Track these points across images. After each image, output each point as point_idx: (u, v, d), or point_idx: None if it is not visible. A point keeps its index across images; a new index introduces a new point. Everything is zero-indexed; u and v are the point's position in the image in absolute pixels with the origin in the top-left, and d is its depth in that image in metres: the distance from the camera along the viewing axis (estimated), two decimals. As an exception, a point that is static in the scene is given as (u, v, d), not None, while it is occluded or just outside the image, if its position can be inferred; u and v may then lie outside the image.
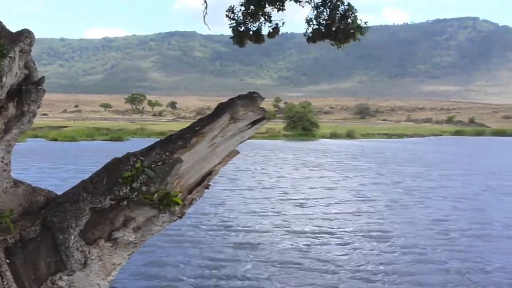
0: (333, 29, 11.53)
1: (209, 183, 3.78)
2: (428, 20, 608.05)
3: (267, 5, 10.84)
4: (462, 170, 30.36)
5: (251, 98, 3.87)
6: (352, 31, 11.46)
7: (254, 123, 3.90)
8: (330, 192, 21.27)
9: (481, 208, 17.72)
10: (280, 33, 12.03)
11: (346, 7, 11.43)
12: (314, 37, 11.83)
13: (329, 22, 11.40)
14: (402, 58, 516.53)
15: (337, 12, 11.50)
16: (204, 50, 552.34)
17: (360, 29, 11.52)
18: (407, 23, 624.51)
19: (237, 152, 3.94)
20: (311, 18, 11.67)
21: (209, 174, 3.77)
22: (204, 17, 11.18)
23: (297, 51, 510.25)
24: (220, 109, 3.75)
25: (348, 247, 12.23)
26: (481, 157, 41.44)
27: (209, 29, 11.99)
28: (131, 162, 3.44)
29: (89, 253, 3.42)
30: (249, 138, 3.95)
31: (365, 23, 11.40)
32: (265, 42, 11.80)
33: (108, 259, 3.53)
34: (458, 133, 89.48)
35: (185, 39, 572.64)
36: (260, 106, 3.93)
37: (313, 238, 13.19)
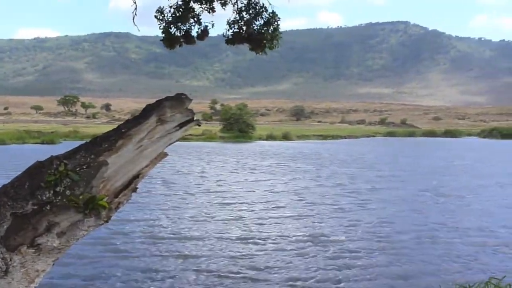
0: (252, 34, 11.58)
1: (137, 186, 3.71)
2: (361, 24, 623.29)
3: (195, 6, 10.76)
4: (398, 171, 31.20)
5: (179, 99, 3.83)
6: (270, 38, 11.52)
7: (182, 125, 3.86)
8: (268, 195, 21.04)
9: (420, 209, 18.01)
10: (213, 35, 11.98)
11: (270, 14, 11.49)
12: (233, 39, 11.85)
13: (248, 26, 11.43)
14: (336, 61, 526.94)
15: (259, 18, 11.56)
16: (139, 52, 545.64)
17: (278, 38, 11.60)
18: (341, 26, 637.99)
19: (166, 155, 3.89)
20: (232, 21, 11.68)
21: (137, 177, 3.70)
22: (133, 18, 10.97)
23: (234, 53, 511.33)
24: (147, 111, 3.69)
25: (283, 253, 12.00)
26: (415, 157, 42.75)
27: (139, 30, 11.77)
28: (55, 166, 3.33)
29: (10, 260, 3.28)
30: (177, 140, 3.91)
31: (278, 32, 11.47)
32: (201, 44, 11.69)
33: (31, 266, 3.40)
34: (390, 134, 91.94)
35: (120, 40, 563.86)
36: (189, 108, 3.90)
37: (247, 244, 12.88)
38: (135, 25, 10.79)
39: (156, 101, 3.78)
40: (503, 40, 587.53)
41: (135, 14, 10.87)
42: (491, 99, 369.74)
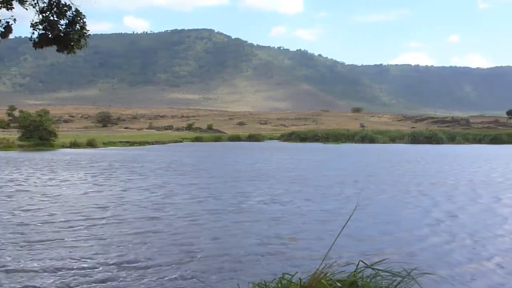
0: (60, 35, 10.99)
1: None
2: (168, 30, 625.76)
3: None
4: (213, 177, 31.54)
5: None
6: (77, 38, 11.04)
7: None
8: (67, 210, 18.67)
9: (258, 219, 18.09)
10: (13, 36, 11.09)
11: (74, 12, 10.96)
12: (40, 42, 11.14)
13: (54, 27, 10.82)
14: (143, 67, 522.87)
15: (64, 17, 10.99)
16: None
17: (85, 37, 11.19)
18: (147, 32, 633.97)
19: None
20: (36, 22, 10.97)
21: None
22: None
23: (32, 56, 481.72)
24: None
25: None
26: (222, 160, 43.81)
27: None
28: None
29: None
30: None
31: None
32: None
33: None
34: (197, 139, 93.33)
35: None
36: None
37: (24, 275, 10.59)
38: None
39: None
40: (300, 49, 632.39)
41: None
42: (290, 105, 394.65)
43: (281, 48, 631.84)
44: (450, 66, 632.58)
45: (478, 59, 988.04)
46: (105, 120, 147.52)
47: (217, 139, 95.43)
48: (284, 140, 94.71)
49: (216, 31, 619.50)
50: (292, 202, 18.24)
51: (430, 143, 78.51)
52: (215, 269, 10.00)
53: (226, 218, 15.30)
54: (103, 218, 15.74)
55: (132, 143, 74.47)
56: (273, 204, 17.89)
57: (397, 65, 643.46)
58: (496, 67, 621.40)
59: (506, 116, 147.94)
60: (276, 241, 12.14)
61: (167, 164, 38.29)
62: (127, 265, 10.44)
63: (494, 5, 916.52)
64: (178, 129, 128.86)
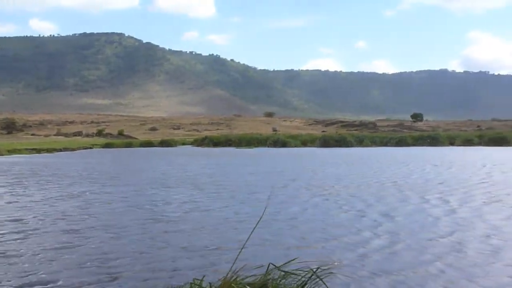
0: None
1: None
2: (76, 33, 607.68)
3: None
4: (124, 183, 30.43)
5: None
6: None
7: None
8: None
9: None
10: None
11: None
12: None
13: None
14: (50, 71, 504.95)
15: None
16: None
17: None
18: (54, 35, 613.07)
19: None
20: None
21: None
22: None
23: None
24: None
25: None
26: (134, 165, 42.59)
27: None
28: None
29: None
30: None
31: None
32: None
33: None
34: (108, 145, 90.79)
35: None
36: None
37: None
38: None
39: None
40: (212, 54, 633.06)
41: None
42: (203, 109, 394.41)
43: (194, 53, 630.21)
44: (358, 72, 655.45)
45: (384, 65, 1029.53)
46: (9, 127, 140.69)
47: (129, 145, 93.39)
48: (197, 145, 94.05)
49: (126, 35, 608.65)
50: (216, 209, 17.79)
51: (340, 146, 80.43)
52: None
53: (147, 229, 14.59)
54: (11, 232, 14.57)
55: (39, 150, 71.23)
56: (194, 212, 17.35)
57: (307, 70, 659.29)
58: (401, 72, 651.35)
59: (411, 119, 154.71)
60: (201, 251, 11.61)
61: (79, 172, 36.71)
62: (37, 286, 9.44)
63: (398, 13, 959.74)
64: (88, 135, 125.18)
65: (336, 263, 8.94)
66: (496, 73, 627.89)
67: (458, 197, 19.18)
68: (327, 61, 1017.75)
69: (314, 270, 6.62)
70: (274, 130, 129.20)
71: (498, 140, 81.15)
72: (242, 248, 7.04)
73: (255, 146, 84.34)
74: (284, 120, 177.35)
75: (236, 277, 6.53)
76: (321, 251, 11.06)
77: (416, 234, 12.55)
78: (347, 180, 26.67)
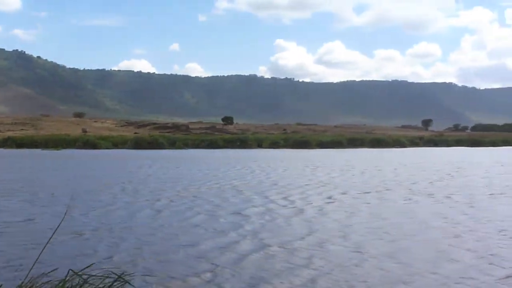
0: None
1: None
2: None
3: None
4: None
5: None
6: None
7: None
8: None
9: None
10: None
11: None
12: None
13: None
14: None
15: None
16: None
17: None
18: None
19: None
20: None
21: None
22: None
23: None
24: None
25: None
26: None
27: None
28: None
29: None
30: None
31: None
32: None
33: None
34: None
35: None
36: None
37: None
38: None
39: None
40: (17, 50, 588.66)
41: None
42: (6, 108, 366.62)
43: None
44: (171, 74, 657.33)
45: (197, 68, 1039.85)
46: None
47: None
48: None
49: None
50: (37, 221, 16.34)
51: (153, 148, 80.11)
52: None
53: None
54: None
55: None
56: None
57: (120, 70, 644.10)
58: (213, 76, 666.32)
59: (222, 122, 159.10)
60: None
61: None
62: None
63: (212, 18, 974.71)
64: None
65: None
66: (300, 80, 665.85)
67: (297, 196, 19.37)
68: (141, 62, 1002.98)
69: (119, 274, 6.39)
70: (84, 131, 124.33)
71: (302, 143, 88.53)
72: (40, 253, 6.43)
73: (63, 148, 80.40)
74: (95, 121, 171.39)
75: (32, 286, 6.01)
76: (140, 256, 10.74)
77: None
78: (183, 183, 25.98)
